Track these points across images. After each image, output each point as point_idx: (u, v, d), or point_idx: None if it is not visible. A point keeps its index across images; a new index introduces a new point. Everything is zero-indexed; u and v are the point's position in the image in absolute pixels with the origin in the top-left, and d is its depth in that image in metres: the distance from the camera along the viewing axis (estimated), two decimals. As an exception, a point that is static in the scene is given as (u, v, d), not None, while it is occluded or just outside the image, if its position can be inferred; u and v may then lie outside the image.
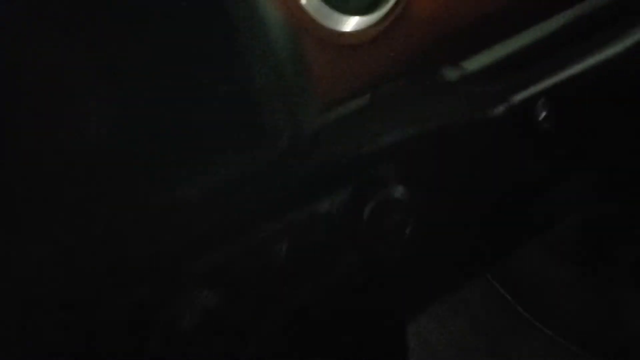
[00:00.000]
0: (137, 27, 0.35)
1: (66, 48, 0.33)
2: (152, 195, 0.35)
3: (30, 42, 0.32)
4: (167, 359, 0.35)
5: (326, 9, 0.41)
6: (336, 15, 0.41)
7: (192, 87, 0.38)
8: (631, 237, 0.97)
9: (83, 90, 0.34)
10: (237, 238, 0.37)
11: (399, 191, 0.41)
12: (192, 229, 0.36)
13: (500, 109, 0.46)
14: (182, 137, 0.37)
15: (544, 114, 0.48)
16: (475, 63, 0.50)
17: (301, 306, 0.41)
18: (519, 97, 0.46)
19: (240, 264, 0.37)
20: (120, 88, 0.35)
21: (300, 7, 0.41)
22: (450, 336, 0.99)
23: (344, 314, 0.45)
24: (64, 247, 0.32)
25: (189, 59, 0.38)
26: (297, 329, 0.42)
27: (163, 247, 0.34)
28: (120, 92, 0.35)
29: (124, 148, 0.35)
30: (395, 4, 0.43)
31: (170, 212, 0.35)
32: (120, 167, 0.35)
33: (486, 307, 1.03)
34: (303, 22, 0.41)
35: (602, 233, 0.99)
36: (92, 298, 0.34)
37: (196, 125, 0.38)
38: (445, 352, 0.98)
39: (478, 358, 0.98)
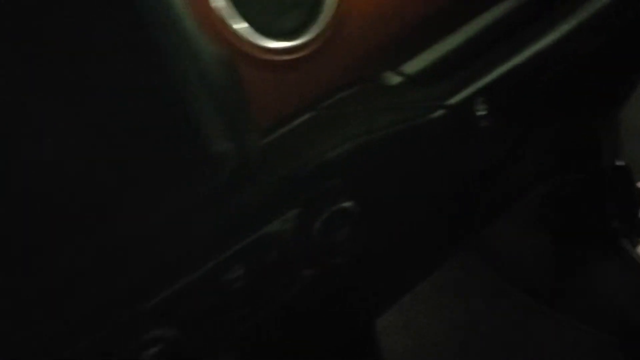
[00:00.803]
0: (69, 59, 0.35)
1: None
2: (99, 237, 0.35)
3: None
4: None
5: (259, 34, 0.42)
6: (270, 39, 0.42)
7: (131, 119, 0.38)
8: (594, 205, 1.01)
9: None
10: (191, 269, 0.38)
11: (347, 204, 0.42)
12: (143, 266, 0.36)
13: (439, 113, 0.47)
14: (123, 172, 0.37)
15: (482, 112, 0.49)
16: (412, 66, 0.52)
17: (265, 326, 0.42)
18: (456, 99, 0.48)
19: (196, 295, 0.37)
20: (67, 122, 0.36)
21: (233, 33, 0.42)
22: (434, 313, 1.02)
23: (309, 325, 0.46)
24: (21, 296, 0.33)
25: (127, 91, 0.38)
26: (261, 346, 0.43)
27: (115, 289, 0.35)
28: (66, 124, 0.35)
29: (66, 187, 0.36)
30: (328, 23, 0.44)
31: (120, 252, 0.35)
32: (65, 207, 0.35)
33: (469, 282, 1.05)
34: (238, 47, 0.42)
35: (568, 203, 1.03)
36: (54, 344, 0.34)
37: (137, 160, 0.38)
38: (430, 329, 1.01)
39: (462, 333, 1.00)
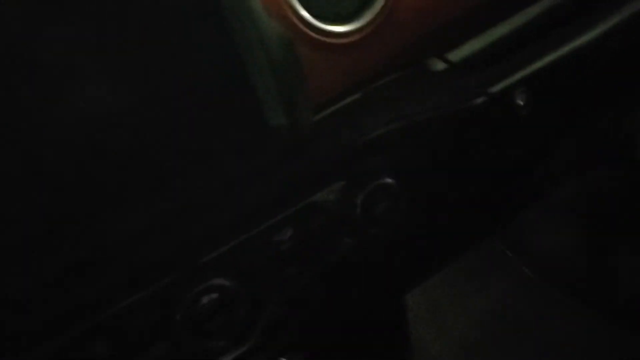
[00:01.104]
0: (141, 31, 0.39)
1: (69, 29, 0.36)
2: (166, 196, 0.39)
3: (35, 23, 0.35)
4: (190, 332, 0.40)
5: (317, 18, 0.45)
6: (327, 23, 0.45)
7: (197, 89, 0.42)
8: (630, 200, 1.01)
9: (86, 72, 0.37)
10: (246, 229, 0.42)
11: (388, 180, 0.46)
12: (205, 224, 0.40)
13: (480, 100, 0.50)
14: (187, 138, 0.41)
15: (522, 101, 0.52)
16: (458, 54, 0.54)
17: (306, 284, 0.46)
18: (498, 87, 0.51)
19: (249, 251, 0.42)
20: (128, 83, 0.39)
21: (295, 15, 0.45)
22: (460, 301, 1.04)
23: (344, 290, 0.50)
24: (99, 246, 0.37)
25: (194, 61, 0.42)
26: (302, 305, 0.47)
27: (182, 242, 0.39)
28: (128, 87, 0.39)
29: (137, 150, 0.40)
30: (381, 10, 0.47)
31: (185, 211, 0.40)
32: (134, 169, 0.39)
33: (496, 273, 1.07)
34: (298, 28, 0.45)
35: (603, 197, 1.03)
36: (129, 284, 0.39)
37: (204, 127, 0.42)
38: (455, 317, 1.03)
39: (486, 322, 1.02)
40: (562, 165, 0.70)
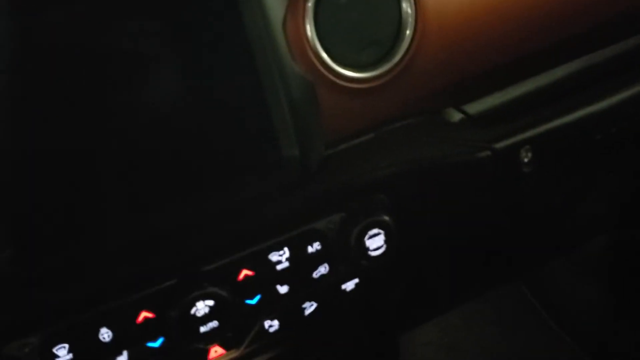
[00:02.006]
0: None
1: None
2: (179, 210, 0.44)
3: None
4: (183, 334, 0.45)
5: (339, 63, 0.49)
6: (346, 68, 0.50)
7: (224, 117, 0.47)
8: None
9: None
10: (248, 245, 0.46)
11: (385, 217, 0.50)
12: (211, 236, 0.45)
13: (484, 154, 0.53)
14: (213, 154, 0.46)
15: (526, 159, 0.55)
16: (476, 107, 0.58)
17: (298, 305, 0.50)
18: (503, 143, 0.54)
19: (248, 267, 0.46)
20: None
21: (318, 59, 0.50)
22: (475, 337, 1.05)
23: (335, 314, 0.53)
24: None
25: (222, 91, 0.47)
26: (293, 325, 0.51)
27: (185, 252, 0.44)
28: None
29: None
30: (398, 62, 0.51)
31: (193, 223, 0.45)
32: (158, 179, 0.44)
33: (516, 315, 1.08)
34: (320, 71, 0.50)
35: (630, 256, 1.03)
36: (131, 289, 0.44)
37: (225, 147, 0.47)
38: (464, 346, 1.04)
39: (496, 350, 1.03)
40: (589, 222, 0.72)
